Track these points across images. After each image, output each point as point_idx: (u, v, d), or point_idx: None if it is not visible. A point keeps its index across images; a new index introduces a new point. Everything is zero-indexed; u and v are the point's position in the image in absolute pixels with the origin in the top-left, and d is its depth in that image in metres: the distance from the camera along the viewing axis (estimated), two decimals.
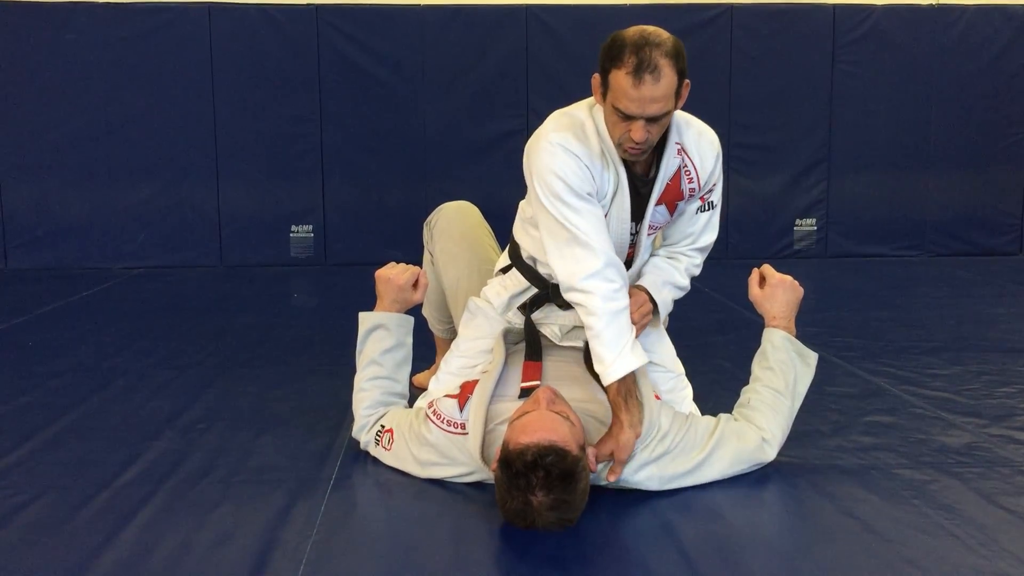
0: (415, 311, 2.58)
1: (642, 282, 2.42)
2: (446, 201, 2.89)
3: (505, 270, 2.56)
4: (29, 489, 2.20)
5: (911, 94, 6.37)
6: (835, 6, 6.24)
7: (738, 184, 6.30)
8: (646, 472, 2.14)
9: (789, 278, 2.43)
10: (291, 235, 6.17)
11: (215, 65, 5.98)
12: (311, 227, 6.18)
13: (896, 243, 6.50)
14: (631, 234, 2.32)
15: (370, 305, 2.52)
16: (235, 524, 2.01)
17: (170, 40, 5.93)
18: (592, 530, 1.97)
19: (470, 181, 5.95)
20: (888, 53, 6.31)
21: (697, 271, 2.50)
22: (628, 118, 2.06)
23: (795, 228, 6.43)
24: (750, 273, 2.47)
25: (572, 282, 2.17)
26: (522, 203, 2.50)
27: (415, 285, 2.50)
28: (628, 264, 2.39)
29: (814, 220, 6.44)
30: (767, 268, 2.46)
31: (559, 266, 2.21)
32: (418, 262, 2.70)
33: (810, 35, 6.26)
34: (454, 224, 2.79)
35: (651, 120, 2.06)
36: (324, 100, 6.06)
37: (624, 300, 2.18)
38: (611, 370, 2.10)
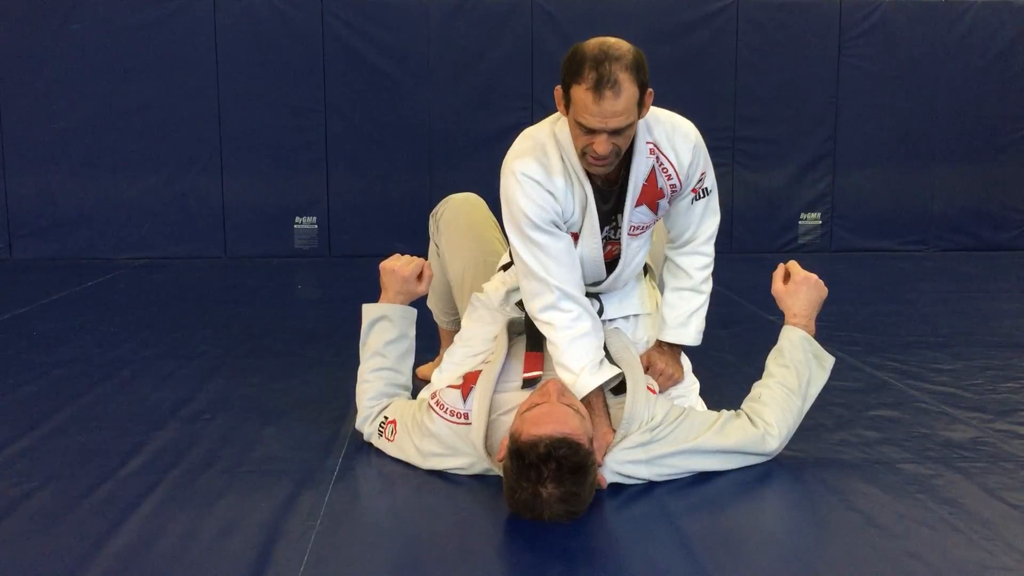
0: (420, 303, 2.58)
1: (666, 335, 2.43)
2: (451, 193, 2.89)
3: (506, 267, 2.57)
4: (33, 478, 2.21)
5: (917, 88, 6.35)
6: (841, 0, 6.22)
7: (743, 178, 6.30)
8: (632, 455, 2.14)
9: (814, 276, 2.41)
10: (295, 226, 6.17)
11: (220, 56, 5.98)
12: (315, 219, 6.18)
13: (901, 238, 6.48)
14: (604, 239, 2.33)
15: (374, 297, 2.52)
16: (239, 514, 2.01)
17: (175, 31, 5.92)
18: (597, 523, 1.98)
19: (475, 173, 5.91)
20: (894, 47, 6.29)
21: (709, 269, 2.48)
22: (591, 132, 2.07)
23: (800, 222, 6.42)
24: (759, 267, 2.47)
25: (533, 313, 2.28)
26: None
27: (419, 277, 2.50)
28: (614, 265, 2.40)
29: (819, 214, 6.42)
30: (793, 264, 2.45)
31: (523, 294, 2.32)
32: (423, 254, 2.70)
33: (816, 29, 6.24)
34: (461, 216, 2.79)
35: (614, 133, 2.07)
36: (329, 91, 6.06)
37: (583, 325, 2.23)
38: (573, 391, 2.17)
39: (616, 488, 2.14)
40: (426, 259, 2.63)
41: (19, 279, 5.29)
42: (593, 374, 2.18)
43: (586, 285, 2.40)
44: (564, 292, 2.23)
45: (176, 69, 5.95)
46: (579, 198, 2.25)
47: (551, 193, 2.21)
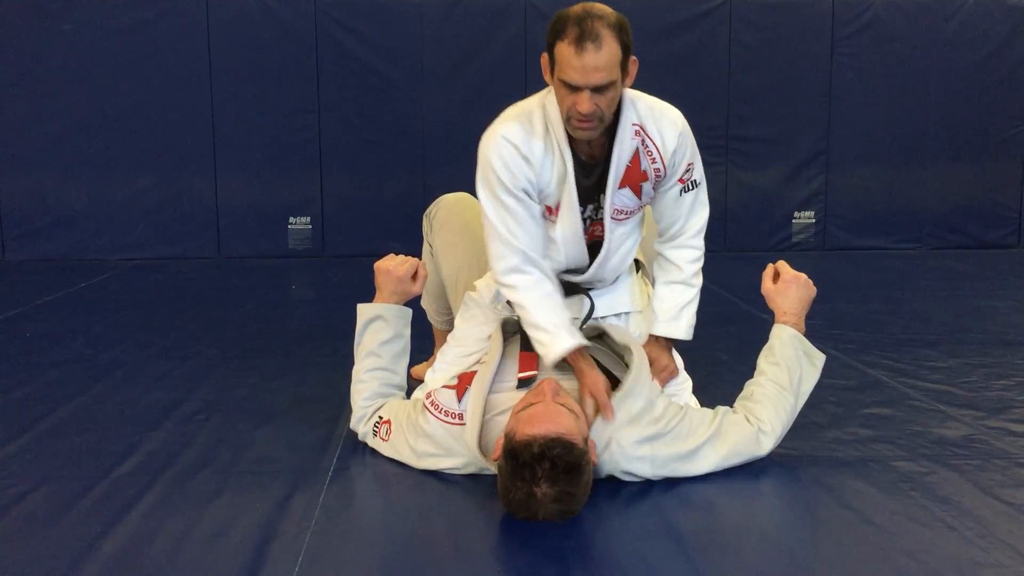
0: (414, 303, 2.58)
1: (657, 329, 2.44)
2: (445, 193, 2.89)
3: None
4: (28, 480, 2.20)
5: (910, 87, 6.36)
6: None
7: (737, 176, 6.31)
8: (640, 451, 2.14)
9: (803, 276, 2.43)
10: (289, 227, 6.16)
11: (213, 56, 5.96)
12: (309, 219, 6.17)
13: (894, 236, 6.50)
14: (585, 218, 2.34)
15: (369, 297, 2.52)
16: (234, 515, 2.01)
17: (168, 31, 5.91)
18: (591, 522, 1.98)
19: (469, 173, 5.83)
20: (887, 46, 6.30)
21: (700, 263, 2.49)
22: (575, 90, 2.09)
23: (793, 221, 6.43)
24: (753, 266, 2.48)
25: (497, 277, 2.31)
26: None
27: (414, 277, 2.50)
28: (598, 249, 2.40)
29: (812, 213, 6.43)
30: (782, 264, 2.46)
31: (489, 258, 2.34)
32: (417, 254, 2.70)
33: (809, 27, 6.25)
34: (454, 215, 2.79)
35: (597, 91, 2.08)
36: (323, 92, 6.05)
37: (548, 285, 2.26)
38: (552, 351, 2.17)
39: (611, 487, 2.14)
40: (420, 259, 2.64)
41: (12, 280, 5.28)
42: (572, 335, 2.19)
43: (570, 272, 2.40)
44: (527, 256, 2.26)
45: (169, 69, 5.94)
46: (558, 169, 2.26)
47: (526, 159, 2.24)
